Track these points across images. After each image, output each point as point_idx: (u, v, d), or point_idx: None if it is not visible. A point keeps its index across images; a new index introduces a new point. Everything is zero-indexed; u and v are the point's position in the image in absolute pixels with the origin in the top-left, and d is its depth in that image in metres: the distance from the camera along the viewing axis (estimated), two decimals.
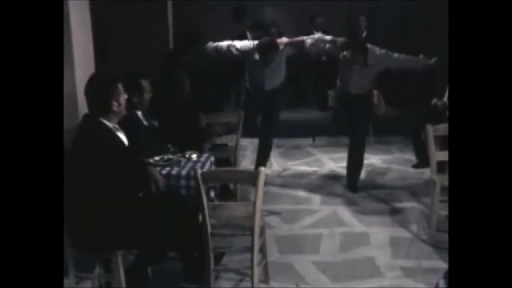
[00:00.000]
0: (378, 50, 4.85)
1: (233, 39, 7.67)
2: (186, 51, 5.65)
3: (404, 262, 3.71)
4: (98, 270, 3.26)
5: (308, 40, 5.09)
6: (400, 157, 6.36)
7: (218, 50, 5.20)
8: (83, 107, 3.59)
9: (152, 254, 3.20)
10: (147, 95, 3.87)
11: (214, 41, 5.36)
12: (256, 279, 3.11)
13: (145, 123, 3.90)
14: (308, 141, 7.18)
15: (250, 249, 3.08)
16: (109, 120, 2.97)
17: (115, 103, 2.95)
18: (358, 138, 5.20)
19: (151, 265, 3.36)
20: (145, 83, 3.86)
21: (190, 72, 4.93)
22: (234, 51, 5.13)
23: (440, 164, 4.10)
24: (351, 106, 5.05)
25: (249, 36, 7.65)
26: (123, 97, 3.03)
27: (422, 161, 5.63)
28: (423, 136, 4.67)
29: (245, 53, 5.13)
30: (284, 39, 5.13)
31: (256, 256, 3.10)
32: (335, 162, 6.22)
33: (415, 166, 5.93)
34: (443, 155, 3.95)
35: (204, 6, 8.67)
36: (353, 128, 5.20)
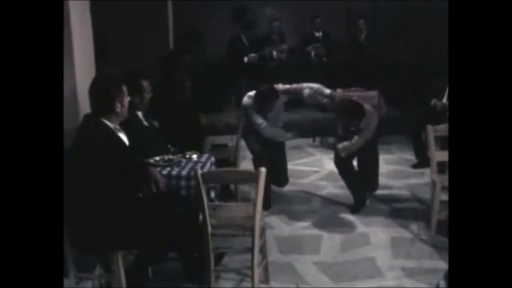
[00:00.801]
0: (374, 117, 4.59)
1: (228, 42, 7.70)
2: (186, 51, 5.65)
3: (405, 262, 3.71)
4: (98, 270, 3.26)
5: (306, 90, 4.83)
6: (400, 157, 6.36)
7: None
8: (83, 107, 3.61)
9: (153, 254, 3.20)
10: (147, 95, 3.87)
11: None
12: (256, 280, 3.11)
13: (145, 123, 3.90)
14: (308, 141, 7.18)
15: (251, 250, 3.08)
16: (110, 121, 2.98)
17: (118, 105, 2.97)
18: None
19: (152, 265, 3.36)
20: (145, 84, 3.86)
21: (190, 72, 4.93)
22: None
23: (440, 164, 4.10)
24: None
25: (243, 38, 7.68)
26: (127, 99, 3.05)
27: (422, 161, 5.64)
28: (423, 136, 4.67)
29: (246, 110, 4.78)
30: (281, 86, 4.85)
31: (257, 256, 3.10)
32: None
33: (415, 166, 5.93)
34: (443, 155, 3.95)
35: (204, 6, 8.67)
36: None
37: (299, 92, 4.89)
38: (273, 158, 4.94)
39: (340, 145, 4.62)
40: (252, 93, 4.77)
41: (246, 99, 4.79)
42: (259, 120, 4.72)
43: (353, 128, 4.57)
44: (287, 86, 4.91)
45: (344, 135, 4.72)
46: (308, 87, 4.87)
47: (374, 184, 4.94)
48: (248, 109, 4.74)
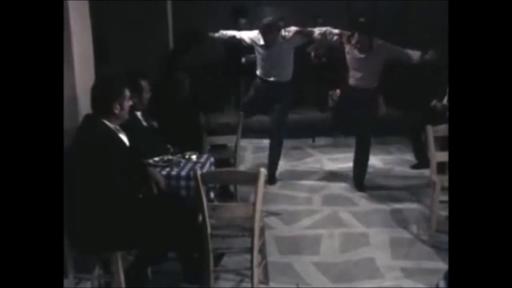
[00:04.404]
0: (379, 40, 5.02)
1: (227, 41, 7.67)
2: (186, 51, 5.64)
3: (404, 263, 3.71)
4: (97, 271, 3.26)
5: (317, 31, 5.21)
6: (400, 158, 6.36)
7: (229, 37, 5.51)
8: (83, 108, 3.60)
9: (152, 254, 3.20)
10: (147, 95, 3.87)
11: (214, 42, 5.43)
12: (256, 280, 3.10)
13: (144, 123, 3.89)
14: (308, 141, 7.18)
15: (250, 250, 3.08)
16: (110, 122, 2.99)
17: (118, 106, 2.98)
18: (363, 136, 5.25)
19: (151, 266, 3.36)
20: (144, 84, 3.86)
21: (189, 72, 4.92)
22: (246, 39, 5.39)
23: (440, 164, 4.10)
24: (358, 102, 5.07)
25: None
26: (128, 102, 3.07)
27: (422, 162, 5.63)
28: (423, 137, 4.67)
29: (253, 41, 5.33)
30: (293, 28, 5.22)
31: (256, 257, 3.10)
32: (335, 162, 6.22)
33: (415, 166, 5.93)
34: (443, 156, 3.95)
35: (204, 6, 8.67)
36: (358, 126, 5.21)
37: (310, 33, 5.24)
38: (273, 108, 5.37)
39: None
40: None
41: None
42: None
43: (364, 56, 5.01)
44: (299, 28, 5.25)
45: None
46: (318, 29, 5.25)
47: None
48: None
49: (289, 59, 5.32)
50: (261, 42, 5.24)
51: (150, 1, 6.88)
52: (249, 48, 7.62)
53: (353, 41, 5.03)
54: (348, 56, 5.16)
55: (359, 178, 5.32)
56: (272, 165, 5.46)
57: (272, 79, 5.31)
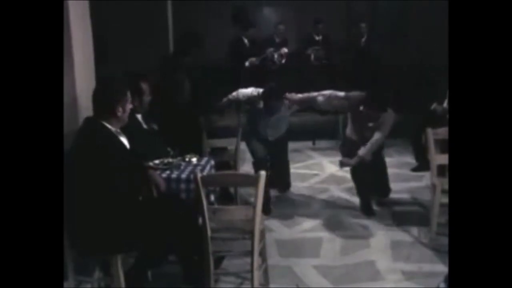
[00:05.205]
0: (391, 113, 4.56)
1: (229, 43, 7.66)
2: (186, 53, 5.63)
3: (405, 265, 3.70)
4: (97, 273, 3.25)
5: (320, 97, 4.73)
6: (400, 160, 6.35)
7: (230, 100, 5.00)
8: (83, 110, 3.60)
9: (152, 257, 3.19)
10: (147, 98, 3.87)
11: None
12: (256, 283, 3.10)
13: (144, 126, 3.89)
14: (308, 144, 7.17)
15: (250, 253, 3.07)
16: (111, 124, 2.99)
17: (120, 109, 2.98)
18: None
19: (151, 269, 3.35)
20: (144, 86, 3.86)
21: (190, 74, 4.92)
22: (241, 98, 4.90)
23: (440, 167, 4.09)
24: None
25: (245, 40, 7.66)
26: (129, 105, 3.07)
27: (422, 164, 5.63)
28: (423, 140, 4.66)
29: (249, 101, 4.88)
30: (294, 95, 4.83)
31: (256, 259, 3.10)
32: (335, 165, 6.20)
33: (415, 169, 5.92)
34: (444, 159, 3.94)
35: (204, 7, 8.67)
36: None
37: (312, 100, 4.80)
38: (274, 162, 4.95)
39: (360, 151, 4.46)
40: (253, 88, 4.80)
41: (253, 91, 4.78)
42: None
43: (371, 124, 4.50)
44: (300, 95, 4.84)
45: (356, 138, 4.67)
46: (320, 94, 4.77)
47: (386, 189, 4.94)
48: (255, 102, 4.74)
49: (286, 121, 5.01)
50: (261, 105, 4.74)
51: (150, 1, 6.88)
52: (252, 50, 7.63)
53: (363, 110, 4.48)
54: (352, 120, 4.77)
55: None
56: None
57: (269, 138, 4.93)
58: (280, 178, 5.03)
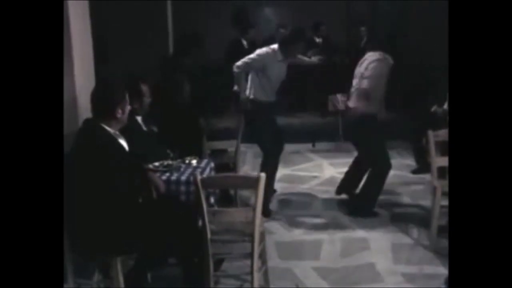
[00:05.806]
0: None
1: (228, 45, 7.64)
2: (186, 54, 5.63)
3: (405, 267, 3.69)
4: (97, 276, 3.25)
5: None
6: (400, 163, 6.34)
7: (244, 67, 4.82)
8: (82, 111, 3.60)
9: (152, 259, 3.19)
10: (147, 100, 3.87)
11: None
12: (256, 285, 3.09)
13: (144, 128, 3.89)
14: (308, 146, 7.17)
15: (250, 255, 3.06)
16: (110, 126, 2.99)
17: (119, 111, 2.98)
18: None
19: (151, 271, 3.35)
20: (144, 88, 3.86)
21: (190, 75, 4.91)
22: (255, 58, 4.73)
23: (441, 169, 4.09)
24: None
25: (244, 42, 7.66)
26: (128, 107, 3.06)
27: (422, 167, 5.62)
28: (424, 142, 4.66)
29: (263, 59, 4.69)
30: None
31: (256, 262, 3.09)
32: (335, 167, 6.21)
33: (415, 171, 5.92)
34: (444, 161, 3.94)
35: (204, 8, 8.68)
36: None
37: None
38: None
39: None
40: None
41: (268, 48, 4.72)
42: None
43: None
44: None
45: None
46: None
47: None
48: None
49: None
50: (279, 58, 4.67)
51: (150, 1, 6.88)
52: (251, 52, 7.60)
53: None
54: None
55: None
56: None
57: (270, 99, 4.83)
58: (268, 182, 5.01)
